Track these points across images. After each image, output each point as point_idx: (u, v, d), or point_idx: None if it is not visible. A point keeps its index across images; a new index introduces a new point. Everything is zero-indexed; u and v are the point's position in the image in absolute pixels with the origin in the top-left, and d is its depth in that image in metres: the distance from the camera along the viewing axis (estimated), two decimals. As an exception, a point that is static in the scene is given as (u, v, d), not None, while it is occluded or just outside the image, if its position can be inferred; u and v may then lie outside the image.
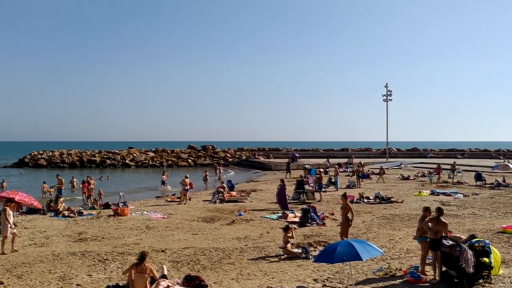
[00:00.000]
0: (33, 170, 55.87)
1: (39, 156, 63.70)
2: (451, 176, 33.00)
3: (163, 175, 35.14)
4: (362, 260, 8.05)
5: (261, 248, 12.71)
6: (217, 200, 23.32)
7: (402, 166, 47.18)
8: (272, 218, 18.24)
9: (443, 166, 35.87)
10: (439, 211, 9.70)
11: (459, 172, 34.98)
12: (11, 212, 12.97)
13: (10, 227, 12.59)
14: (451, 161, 39.96)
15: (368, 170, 39.74)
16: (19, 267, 10.79)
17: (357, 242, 8.31)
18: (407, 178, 35.36)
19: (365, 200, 22.76)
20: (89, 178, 26.47)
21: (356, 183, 30.35)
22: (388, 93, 60.01)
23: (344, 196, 13.17)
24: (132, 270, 8.16)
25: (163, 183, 33.93)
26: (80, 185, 26.93)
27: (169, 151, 68.91)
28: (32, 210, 19.79)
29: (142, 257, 8.19)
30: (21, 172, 49.89)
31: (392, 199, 22.88)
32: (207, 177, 36.23)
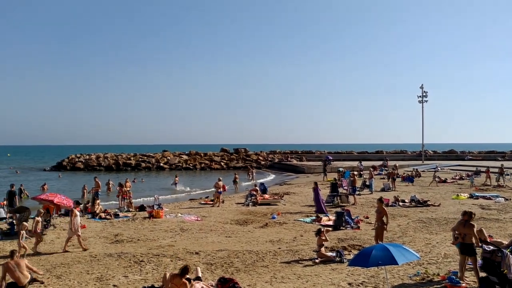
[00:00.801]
0: (71, 173, 57.53)
1: (77, 160, 65.52)
2: (499, 179, 31.81)
3: (176, 177, 37.24)
4: (398, 264, 7.88)
5: (294, 251, 12.65)
6: (250, 203, 23.35)
7: (439, 168, 45.99)
8: (306, 221, 18.12)
9: (483, 169, 34.75)
10: (466, 214, 9.41)
11: (508, 175, 33.78)
12: (78, 213, 13.62)
13: (71, 229, 13.12)
14: (490, 163, 38.68)
15: (404, 173, 38.99)
16: (58, 267, 11.12)
17: (392, 246, 8.15)
18: (444, 181, 34.42)
19: (401, 203, 22.31)
20: (126, 181, 26.99)
21: (391, 186, 29.81)
22: (424, 94, 58.62)
23: (380, 200, 12.95)
24: (170, 280, 8.16)
25: (175, 184, 36.20)
26: (117, 188, 27.50)
27: (202, 154, 69.67)
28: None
29: (184, 271, 8.04)
30: (59, 175, 51.36)
31: (428, 202, 22.35)
32: (237, 180, 36.35)
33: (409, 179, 33.92)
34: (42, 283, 9.65)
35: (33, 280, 9.61)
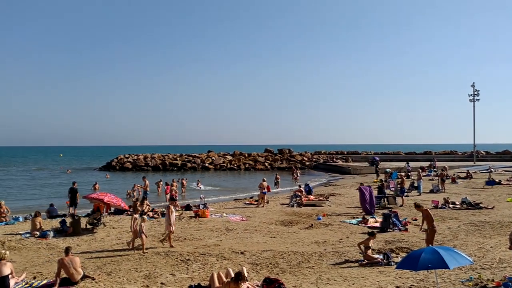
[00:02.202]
0: (119, 173, 59.40)
1: (125, 160, 67.51)
2: None
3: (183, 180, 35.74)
4: (449, 268, 7.58)
5: (340, 253, 12.48)
6: (295, 204, 23.25)
7: (492, 170, 44.09)
8: (352, 223, 17.85)
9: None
10: None
11: None
12: (173, 210, 14.02)
13: (169, 224, 13.54)
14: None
15: (454, 174, 37.65)
16: (108, 264, 11.47)
17: (443, 249, 7.85)
18: (499, 183, 32.86)
19: (451, 206, 21.56)
20: (172, 181, 27.63)
21: (440, 188, 28.86)
22: (475, 92, 56.40)
23: (417, 206, 12.93)
24: (227, 286, 8.16)
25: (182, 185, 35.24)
26: (164, 187, 28.19)
27: (246, 155, 70.11)
28: (119, 211, 20.96)
29: (238, 278, 8.00)
30: (106, 175, 52.97)
31: (481, 205, 21.46)
32: (278, 180, 36.23)
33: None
34: (93, 279, 9.98)
35: (85, 277, 9.97)
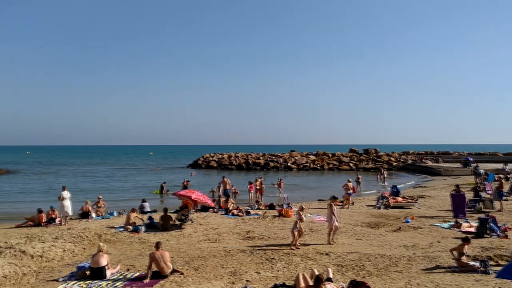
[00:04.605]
0: (205, 171, 61.38)
1: (211, 158, 69.64)
2: None
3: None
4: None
5: (431, 258, 11.80)
6: (382, 206, 22.49)
7: None
8: (443, 227, 16.85)
9: None
10: None
11: None
12: (335, 207, 14.38)
13: (337, 220, 13.99)
14: None
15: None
16: (195, 260, 11.83)
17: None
18: None
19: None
20: (255, 180, 27.96)
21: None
22: None
23: None
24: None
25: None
26: (247, 186, 28.62)
27: (330, 155, 69.08)
28: (205, 208, 21.61)
29: (318, 281, 7.97)
30: (191, 173, 54.85)
31: None
32: (359, 180, 35.16)
33: None
34: (182, 274, 10.33)
35: (174, 271, 10.36)
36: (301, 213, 13.92)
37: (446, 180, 40.75)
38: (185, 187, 27.83)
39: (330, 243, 13.87)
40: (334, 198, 16.03)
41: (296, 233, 13.16)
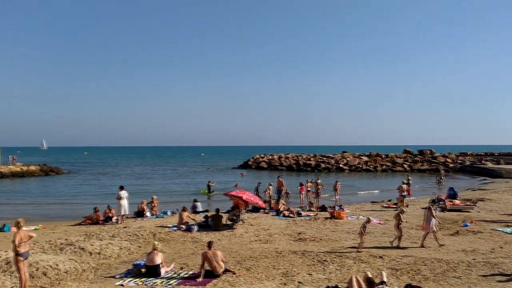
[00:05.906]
0: (255, 171, 61.66)
1: (261, 159, 69.83)
2: None
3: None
4: None
5: (493, 264, 11.23)
6: (438, 209, 21.67)
7: None
8: (506, 232, 15.99)
9: None
10: None
11: None
12: (433, 212, 14.18)
13: (436, 223, 13.96)
14: None
15: None
16: (247, 260, 11.87)
17: None
18: None
19: None
20: (307, 181, 27.78)
21: None
22: None
23: None
24: None
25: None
26: (298, 188, 28.45)
27: (383, 156, 67.43)
28: (256, 209, 21.69)
29: (371, 284, 7.82)
30: (241, 174, 55.02)
31: None
32: (410, 182, 34.00)
33: None
34: (234, 273, 10.41)
35: (226, 270, 10.45)
36: (400, 215, 13.77)
37: (509, 183, 38.75)
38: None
39: (423, 246, 13.57)
40: (433, 202, 15.52)
41: (363, 236, 12.95)
